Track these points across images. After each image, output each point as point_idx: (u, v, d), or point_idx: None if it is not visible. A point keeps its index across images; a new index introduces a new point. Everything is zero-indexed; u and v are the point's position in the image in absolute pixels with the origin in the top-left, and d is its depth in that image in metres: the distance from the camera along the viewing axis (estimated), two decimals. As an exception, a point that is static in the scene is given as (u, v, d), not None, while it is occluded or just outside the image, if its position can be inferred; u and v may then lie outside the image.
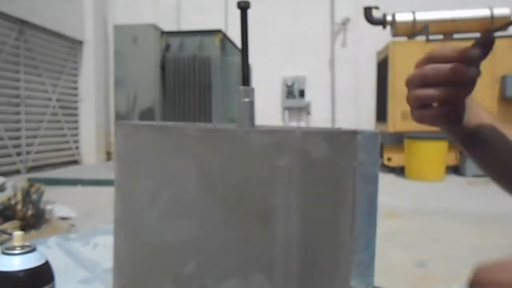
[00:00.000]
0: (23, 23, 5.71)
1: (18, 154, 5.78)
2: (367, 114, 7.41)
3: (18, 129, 5.80)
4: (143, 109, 5.25)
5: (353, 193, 0.44)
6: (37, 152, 6.14)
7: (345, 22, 7.59)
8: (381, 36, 6.55)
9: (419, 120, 0.54)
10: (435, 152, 5.48)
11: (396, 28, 6.00)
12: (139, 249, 0.38)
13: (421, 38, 6.00)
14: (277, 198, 0.36)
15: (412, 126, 5.88)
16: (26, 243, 0.47)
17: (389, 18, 6.07)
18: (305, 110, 7.88)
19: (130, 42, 5.25)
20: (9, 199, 2.73)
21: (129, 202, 0.39)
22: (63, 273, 0.63)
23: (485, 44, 0.46)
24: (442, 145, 5.48)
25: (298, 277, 0.37)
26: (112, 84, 6.26)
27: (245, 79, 0.49)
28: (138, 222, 0.37)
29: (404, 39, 6.12)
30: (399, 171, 5.91)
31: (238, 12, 0.49)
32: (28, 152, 5.95)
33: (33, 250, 0.46)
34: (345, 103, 7.74)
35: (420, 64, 0.50)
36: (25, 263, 0.45)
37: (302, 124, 7.84)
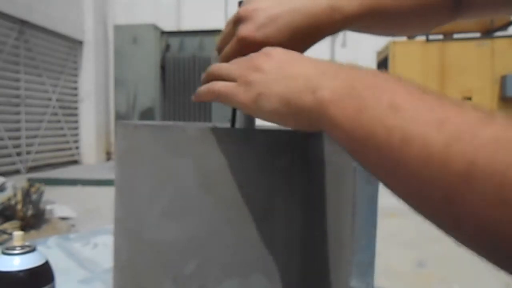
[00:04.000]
0: (23, 23, 5.71)
1: (18, 154, 5.78)
2: (367, 114, 7.41)
3: (18, 129, 5.79)
4: (143, 109, 5.25)
5: (353, 193, 0.44)
6: (37, 152, 6.13)
7: (345, 22, 7.59)
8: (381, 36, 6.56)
9: None
10: (435, 152, 5.47)
11: (396, 28, 6.00)
12: (139, 249, 0.38)
13: (421, 38, 6.00)
14: (277, 198, 0.36)
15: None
16: (26, 243, 0.47)
17: (389, 18, 6.07)
18: (305, 110, 7.88)
19: (130, 42, 5.24)
20: (9, 199, 2.73)
21: (129, 202, 0.39)
22: (63, 273, 0.63)
23: None
24: (442, 145, 5.48)
25: (298, 277, 0.37)
26: (112, 84, 6.25)
27: (245, 79, 0.48)
28: (138, 222, 0.37)
29: (404, 39, 6.12)
30: (399, 171, 5.91)
31: (238, 12, 0.49)
32: (28, 152, 5.94)
33: (33, 250, 0.46)
34: (345, 103, 7.73)
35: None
36: (25, 263, 0.45)
37: (302, 124, 7.83)
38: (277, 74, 0.32)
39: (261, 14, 0.39)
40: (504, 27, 5.95)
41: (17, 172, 5.70)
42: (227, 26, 0.44)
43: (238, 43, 0.40)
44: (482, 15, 0.51)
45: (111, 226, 0.44)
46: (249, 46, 0.39)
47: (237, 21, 0.41)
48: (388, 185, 0.25)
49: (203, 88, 0.38)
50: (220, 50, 0.45)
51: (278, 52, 0.34)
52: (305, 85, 0.29)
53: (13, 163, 5.70)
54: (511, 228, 0.17)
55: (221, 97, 0.36)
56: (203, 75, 0.41)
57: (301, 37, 0.40)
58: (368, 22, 0.43)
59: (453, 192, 0.19)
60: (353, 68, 0.29)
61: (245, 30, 0.39)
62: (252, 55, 0.36)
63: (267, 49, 0.35)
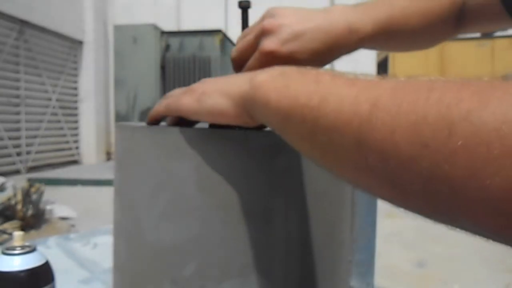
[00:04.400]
0: (23, 23, 5.71)
1: (18, 154, 5.78)
2: (367, 114, 7.40)
3: (18, 129, 5.79)
4: (143, 109, 5.24)
5: (352, 193, 0.44)
6: (37, 152, 6.13)
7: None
8: (381, 36, 6.55)
9: None
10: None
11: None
12: (139, 251, 0.38)
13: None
14: (277, 198, 0.36)
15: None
16: (26, 243, 0.47)
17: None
18: (305, 110, 7.87)
19: (130, 42, 5.24)
20: (9, 199, 2.73)
21: (129, 204, 0.39)
22: (63, 273, 0.63)
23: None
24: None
25: (298, 278, 0.37)
26: (112, 84, 6.25)
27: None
28: (137, 223, 0.37)
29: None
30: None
31: (238, 12, 0.49)
32: (28, 152, 5.94)
33: (33, 250, 0.46)
34: (345, 103, 7.72)
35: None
36: (25, 263, 0.45)
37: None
38: (220, 78, 0.36)
39: (286, 29, 0.41)
40: (504, 27, 5.94)
41: (17, 172, 5.70)
42: (247, 37, 0.44)
43: (263, 56, 0.41)
44: (483, 29, 0.54)
45: (111, 226, 0.44)
46: (273, 60, 0.40)
47: (260, 34, 0.42)
48: (309, 151, 0.27)
49: (154, 108, 0.40)
50: (236, 60, 0.45)
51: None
52: (244, 78, 0.32)
53: (13, 163, 5.70)
54: (407, 147, 0.19)
55: (168, 107, 0.38)
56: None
57: (321, 54, 0.42)
58: (381, 41, 0.45)
59: (360, 132, 0.22)
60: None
61: (270, 44, 0.41)
62: None
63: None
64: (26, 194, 2.80)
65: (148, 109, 5.68)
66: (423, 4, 0.47)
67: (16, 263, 0.45)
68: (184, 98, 0.36)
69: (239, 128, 0.41)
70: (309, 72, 0.28)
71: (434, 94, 0.19)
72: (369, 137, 0.21)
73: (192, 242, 0.35)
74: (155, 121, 0.41)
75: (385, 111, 0.21)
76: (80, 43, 7.05)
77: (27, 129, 5.93)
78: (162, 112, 0.39)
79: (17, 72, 5.74)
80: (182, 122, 0.39)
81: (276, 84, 0.28)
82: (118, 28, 5.42)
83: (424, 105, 0.19)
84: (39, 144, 6.20)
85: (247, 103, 0.31)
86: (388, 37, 0.45)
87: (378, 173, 0.21)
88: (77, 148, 7.15)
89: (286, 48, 0.40)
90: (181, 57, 5.33)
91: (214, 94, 0.33)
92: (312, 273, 0.38)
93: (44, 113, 6.32)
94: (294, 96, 0.26)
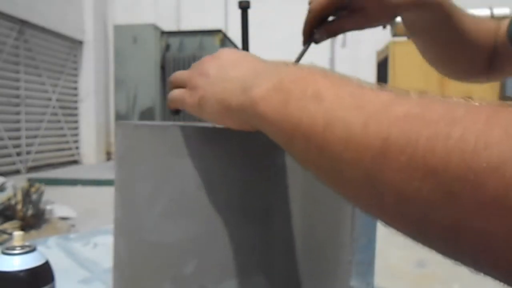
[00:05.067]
0: (23, 23, 5.71)
1: (18, 154, 5.78)
2: (367, 114, 7.39)
3: (18, 129, 5.79)
4: (143, 109, 5.25)
5: (353, 193, 0.44)
6: (37, 152, 6.13)
7: (345, 22, 7.58)
8: (381, 36, 6.55)
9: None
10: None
11: (396, 28, 6.00)
12: (139, 250, 0.38)
13: (421, 38, 5.99)
14: (277, 198, 0.36)
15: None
16: (26, 243, 0.47)
17: (389, 18, 6.06)
18: (305, 110, 7.85)
19: (130, 42, 5.24)
20: (9, 199, 2.73)
21: (129, 203, 0.39)
22: (63, 273, 0.63)
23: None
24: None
25: (298, 278, 0.37)
26: (112, 84, 6.25)
27: (245, 79, 0.48)
28: (138, 222, 0.37)
29: (404, 39, 6.11)
30: (399, 171, 5.89)
31: (238, 12, 0.49)
32: (28, 152, 5.94)
33: (33, 250, 0.46)
34: (345, 103, 7.70)
35: None
36: (25, 263, 0.45)
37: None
38: (217, 77, 0.33)
39: None
40: (504, 27, 5.94)
41: (17, 172, 5.70)
42: None
43: None
44: (507, 77, 0.58)
45: (111, 226, 0.44)
46: None
47: None
48: (315, 174, 0.25)
49: (168, 96, 0.40)
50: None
51: (225, 54, 0.35)
52: (238, 86, 0.30)
53: (13, 163, 5.70)
54: (427, 194, 0.17)
55: (176, 103, 0.38)
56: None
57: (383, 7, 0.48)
58: (416, 20, 0.51)
59: (372, 170, 0.20)
60: (285, 65, 0.29)
61: None
62: (204, 58, 0.37)
63: (218, 52, 0.36)
64: (26, 194, 2.80)
65: (148, 109, 5.69)
66: (474, 24, 0.54)
67: (16, 263, 0.45)
68: (188, 99, 0.36)
69: None
70: (308, 84, 0.25)
71: (456, 129, 0.17)
72: (383, 176, 0.19)
73: (192, 241, 0.35)
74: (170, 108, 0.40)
75: (399, 149, 0.18)
76: (80, 43, 7.05)
77: (27, 129, 5.93)
78: (173, 106, 0.39)
79: (17, 72, 5.73)
80: None
81: (274, 102, 0.26)
82: (118, 28, 5.42)
83: (445, 146, 0.17)
84: (39, 144, 6.20)
85: (245, 116, 0.30)
86: (422, 17, 0.50)
87: (394, 212, 0.20)
88: (77, 148, 7.15)
89: None
90: (181, 57, 5.33)
91: (211, 100, 0.33)
92: (312, 273, 0.38)
93: (44, 113, 6.32)
94: (297, 118, 0.24)
